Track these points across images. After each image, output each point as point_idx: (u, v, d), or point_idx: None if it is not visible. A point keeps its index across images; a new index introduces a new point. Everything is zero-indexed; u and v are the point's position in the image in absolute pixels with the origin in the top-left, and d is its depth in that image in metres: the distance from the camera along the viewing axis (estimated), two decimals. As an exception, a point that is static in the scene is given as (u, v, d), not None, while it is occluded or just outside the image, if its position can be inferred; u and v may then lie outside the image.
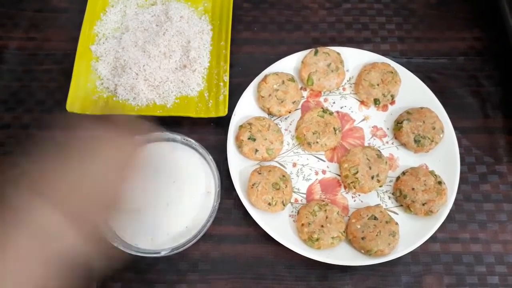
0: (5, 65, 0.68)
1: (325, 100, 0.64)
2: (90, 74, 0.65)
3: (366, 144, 0.61)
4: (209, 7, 0.70)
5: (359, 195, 0.59)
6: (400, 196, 0.57)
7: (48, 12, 0.72)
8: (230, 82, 0.64)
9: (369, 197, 0.58)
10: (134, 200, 0.55)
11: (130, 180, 0.45)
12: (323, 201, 0.57)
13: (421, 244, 0.54)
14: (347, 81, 0.65)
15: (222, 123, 0.62)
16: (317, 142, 0.59)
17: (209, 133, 0.63)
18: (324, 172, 0.60)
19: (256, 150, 0.59)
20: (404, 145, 0.60)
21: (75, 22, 0.69)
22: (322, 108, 0.61)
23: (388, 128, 0.62)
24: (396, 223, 0.55)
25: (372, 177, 0.57)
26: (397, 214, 0.57)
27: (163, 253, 0.51)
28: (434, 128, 0.59)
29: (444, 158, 0.59)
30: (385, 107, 0.64)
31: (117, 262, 0.55)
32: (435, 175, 0.57)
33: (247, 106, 0.63)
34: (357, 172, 0.57)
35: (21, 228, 0.39)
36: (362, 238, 0.54)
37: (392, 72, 0.63)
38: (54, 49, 0.69)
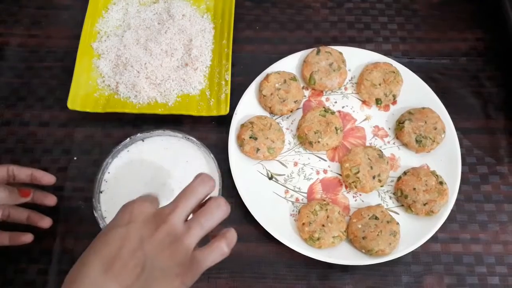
0: (6, 61, 0.68)
1: (327, 99, 0.64)
2: (92, 71, 0.65)
3: (367, 144, 0.61)
4: (211, 6, 0.70)
5: (360, 194, 0.59)
6: (401, 196, 0.57)
7: (49, 9, 0.72)
8: (231, 80, 0.64)
9: (370, 197, 0.58)
10: (133, 197, 0.55)
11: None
12: (324, 200, 0.57)
13: (422, 244, 0.54)
14: (349, 80, 0.65)
15: (223, 122, 0.62)
16: (318, 142, 0.59)
17: (211, 131, 0.63)
18: (325, 171, 0.60)
19: (258, 149, 0.58)
20: (405, 145, 0.60)
21: (76, 19, 0.69)
22: (323, 107, 0.61)
23: (389, 128, 0.62)
24: (397, 223, 0.55)
25: (374, 177, 0.57)
26: (398, 214, 0.57)
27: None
28: (435, 129, 0.59)
29: (446, 158, 0.59)
30: (386, 107, 0.63)
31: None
32: (436, 175, 0.57)
33: (249, 105, 0.62)
34: (358, 172, 0.57)
35: None
36: (363, 238, 0.54)
37: (394, 72, 0.63)
38: (55, 47, 0.69)
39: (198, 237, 0.37)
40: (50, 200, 0.55)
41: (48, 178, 0.53)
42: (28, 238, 0.53)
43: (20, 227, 0.54)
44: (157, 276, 0.35)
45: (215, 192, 0.54)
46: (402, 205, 0.57)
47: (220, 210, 0.39)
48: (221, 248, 0.38)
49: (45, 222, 0.54)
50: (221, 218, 0.39)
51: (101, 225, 0.52)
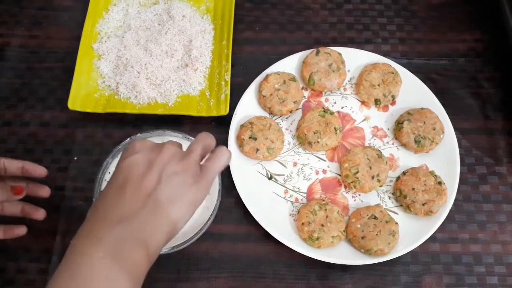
0: (7, 62, 0.68)
1: (326, 100, 0.64)
2: (92, 72, 0.65)
3: (366, 144, 0.62)
4: (211, 7, 0.70)
5: (359, 194, 0.59)
6: (400, 196, 0.57)
7: (50, 10, 0.72)
8: (231, 81, 0.64)
9: (369, 197, 0.59)
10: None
11: None
12: (324, 200, 0.57)
13: (421, 244, 0.55)
14: (348, 81, 0.65)
15: (223, 122, 0.62)
16: (318, 142, 0.59)
17: (210, 132, 0.61)
18: (324, 171, 0.60)
19: (257, 149, 0.59)
20: (404, 145, 0.61)
21: (77, 20, 0.69)
22: (323, 108, 0.62)
23: (388, 129, 0.63)
24: (396, 223, 0.55)
25: (373, 177, 0.57)
26: (397, 214, 0.57)
27: (163, 251, 0.51)
28: (434, 129, 0.60)
29: (444, 158, 0.59)
30: (385, 108, 0.64)
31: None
32: (435, 175, 0.57)
33: (248, 106, 0.63)
34: (357, 172, 0.58)
35: None
36: (362, 238, 0.54)
37: (393, 73, 0.63)
38: (56, 47, 0.69)
39: (199, 154, 0.42)
40: (44, 191, 0.54)
41: (39, 170, 0.52)
42: (21, 230, 0.53)
43: (15, 221, 0.54)
44: (175, 185, 0.38)
45: (215, 192, 0.55)
46: (401, 205, 0.58)
47: (210, 136, 0.44)
48: (224, 151, 0.43)
49: (40, 214, 0.54)
50: (214, 142, 0.44)
51: (101, 225, 0.52)
